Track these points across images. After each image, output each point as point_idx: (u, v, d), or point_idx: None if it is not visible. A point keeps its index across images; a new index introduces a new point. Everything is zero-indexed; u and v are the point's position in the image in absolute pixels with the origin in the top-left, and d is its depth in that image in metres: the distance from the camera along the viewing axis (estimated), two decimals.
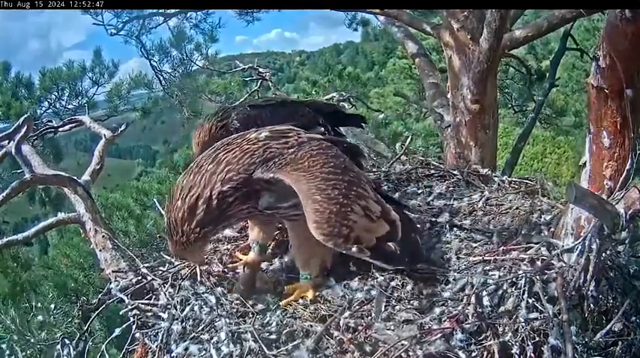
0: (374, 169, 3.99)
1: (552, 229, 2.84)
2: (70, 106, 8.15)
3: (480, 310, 2.28)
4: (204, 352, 2.47)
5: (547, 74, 8.61)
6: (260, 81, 8.12)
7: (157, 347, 2.64)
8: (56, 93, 8.19)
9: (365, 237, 2.34)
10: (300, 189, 2.31)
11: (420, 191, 3.53)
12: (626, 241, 2.41)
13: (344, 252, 2.34)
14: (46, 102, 8.26)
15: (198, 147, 3.25)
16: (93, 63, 8.39)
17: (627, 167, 2.41)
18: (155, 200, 5.13)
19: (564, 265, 2.45)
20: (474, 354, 2.18)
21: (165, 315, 2.72)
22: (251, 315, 2.57)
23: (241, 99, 6.86)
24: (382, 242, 2.40)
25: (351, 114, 4.00)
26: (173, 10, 8.23)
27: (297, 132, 2.61)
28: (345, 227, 2.26)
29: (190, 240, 2.41)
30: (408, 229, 2.57)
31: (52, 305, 4.21)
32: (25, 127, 3.78)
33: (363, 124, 4.06)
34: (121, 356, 3.02)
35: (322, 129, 3.50)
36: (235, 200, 2.41)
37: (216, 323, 2.55)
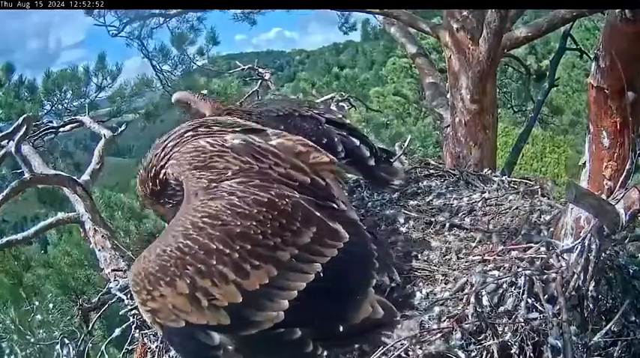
0: None
1: (552, 229, 2.84)
2: (71, 108, 8.17)
3: (480, 310, 2.28)
4: None
5: (547, 74, 8.61)
6: (260, 81, 8.13)
7: (156, 347, 2.65)
8: (59, 95, 8.22)
9: (165, 316, 1.94)
10: (174, 222, 2.09)
11: (419, 191, 3.53)
12: (626, 241, 2.41)
13: None
14: (48, 105, 8.29)
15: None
16: (96, 67, 8.43)
17: (627, 167, 2.41)
18: None
19: (564, 265, 2.45)
20: (473, 354, 2.18)
21: None
22: None
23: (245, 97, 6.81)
24: (196, 328, 1.94)
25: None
26: (174, 11, 8.23)
27: (273, 159, 2.26)
28: (146, 291, 1.94)
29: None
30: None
31: (51, 305, 4.21)
32: (25, 127, 3.78)
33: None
34: (121, 356, 3.02)
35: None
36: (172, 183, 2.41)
37: None
